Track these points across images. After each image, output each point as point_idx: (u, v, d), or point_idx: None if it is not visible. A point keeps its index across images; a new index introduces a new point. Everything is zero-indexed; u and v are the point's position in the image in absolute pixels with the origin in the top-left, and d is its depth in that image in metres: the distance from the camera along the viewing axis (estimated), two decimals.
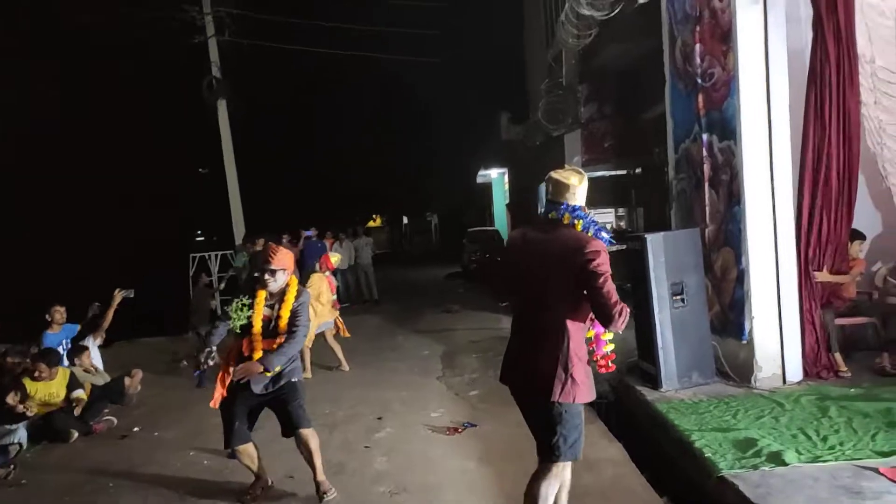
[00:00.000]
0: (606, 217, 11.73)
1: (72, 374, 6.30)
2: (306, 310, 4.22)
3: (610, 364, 3.33)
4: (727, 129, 5.67)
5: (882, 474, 3.62)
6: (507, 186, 24.31)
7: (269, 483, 4.49)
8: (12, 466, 5.20)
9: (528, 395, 3.12)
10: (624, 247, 4.96)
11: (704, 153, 5.96)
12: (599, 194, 10.37)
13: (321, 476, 4.24)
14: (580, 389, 3.00)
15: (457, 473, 4.61)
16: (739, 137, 5.49)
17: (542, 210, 3.31)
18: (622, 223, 11.24)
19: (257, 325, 4.12)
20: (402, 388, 7.05)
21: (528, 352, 3.10)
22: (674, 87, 6.52)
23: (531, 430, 3.23)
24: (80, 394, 6.20)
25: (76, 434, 5.90)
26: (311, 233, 13.22)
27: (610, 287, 2.88)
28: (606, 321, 2.90)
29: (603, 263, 2.92)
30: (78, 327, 7.35)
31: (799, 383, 5.50)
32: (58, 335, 7.05)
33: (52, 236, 24.57)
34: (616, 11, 7.18)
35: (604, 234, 3.12)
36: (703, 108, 5.98)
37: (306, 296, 4.29)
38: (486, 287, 3.45)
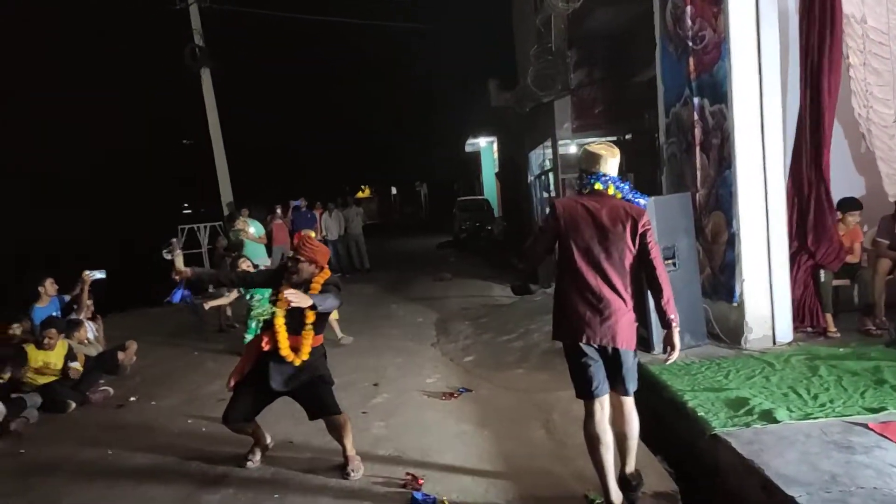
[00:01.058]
0: None
1: (69, 346, 6.30)
2: (336, 290, 4.07)
3: None
4: (718, 93, 5.66)
5: (871, 429, 3.71)
6: (496, 155, 24.20)
7: (269, 444, 4.52)
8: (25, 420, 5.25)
9: (600, 346, 3.42)
10: None
11: (695, 117, 5.96)
12: None
13: (351, 452, 4.21)
14: (635, 338, 3.54)
15: (454, 436, 4.68)
16: (731, 101, 5.48)
17: (579, 181, 3.56)
18: None
19: (279, 320, 4.04)
20: (397, 355, 7.11)
21: (597, 311, 3.35)
22: (664, 50, 6.48)
23: (586, 376, 3.48)
24: (76, 365, 6.20)
25: (73, 404, 5.91)
26: (300, 203, 13.16)
27: (661, 260, 3.35)
28: (658, 293, 3.36)
29: (654, 235, 3.37)
30: (67, 298, 7.31)
31: (789, 344, 5.60)
32: (46, 308, 7.02)
33: (30, 208, 24.32)
34: None
35: (640, 200, 3.43)
36: (693, 72, 5.96)
37: (334, 279, 4.22)
38: (526, 254, 3.53)
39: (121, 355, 6.98)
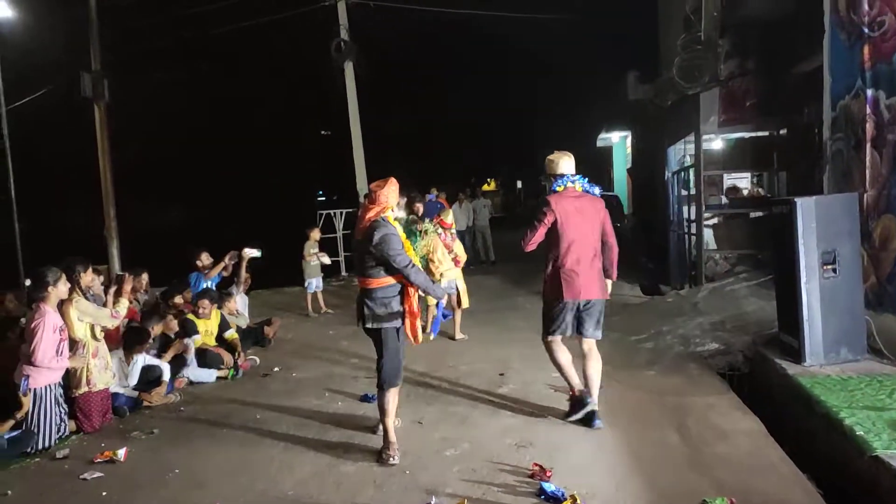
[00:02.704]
0: (741, 181, 10.99)
1: (222, 315, 6.87)
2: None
3: None
4: None
5: None
6: (629, 150, 23.38)
7: (396, 422, 4.61)
8: (179, 395, 5.80)
9: (587, 299, 4.65)
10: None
11: (868, 110, 5.42)
12: (737, 158, 9.71)
13: (389, 439, 4.28)
14: (607, 290, 4.84)
15: (582, 432, 4.60)
16: None
17: (548, 184, 4.98)
18: (760, 189, 10.49)
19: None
20: (523, 347, 7.07)
21: (587, 274, 4.63)
22: (834, 37, 5.94)
23: (572, 324, 4.74)
24: (231, 333, 6.78)
25: (233, 370, 6.44)
26: (433, 195, 13.43)
27: (612, 229, 4.83)
28: (611, 252, 4.79)
29: (608, 214, 4.82)
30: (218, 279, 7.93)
31: None
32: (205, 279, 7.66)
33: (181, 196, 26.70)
34: None
35: (595, 190, 4.88)
36: (868, 61, 5.42)
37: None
38: (525, 239, 4.65)
39: (267, 329, 7.52)
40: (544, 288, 4.86)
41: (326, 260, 9.74)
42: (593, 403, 4.71)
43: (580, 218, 4.63)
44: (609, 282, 4.81)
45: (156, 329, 6.08)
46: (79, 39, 11.98)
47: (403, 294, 4.30)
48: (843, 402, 4.38)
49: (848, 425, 4.01)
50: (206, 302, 6.69)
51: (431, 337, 7.27)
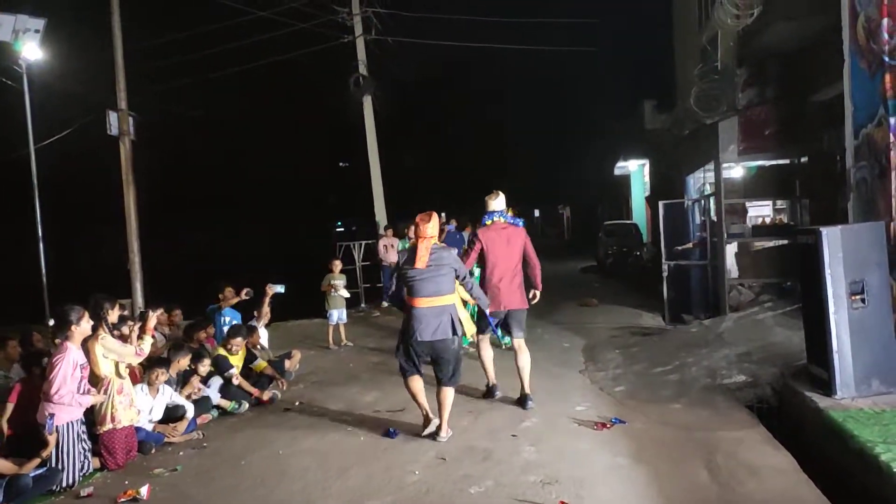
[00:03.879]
0: (764, 210, 10.90)
1: (248, 350, 6.91)
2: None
3: None
4: None
5: None
6: (646, 179, 23.37)
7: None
8: (202, 433, 5.79)
9: (509, 308, 5.99)
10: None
11: (892, 138, 5.39)
12: (758, 186, 9.65)
13: (446, 420, 5.25)
14: (525, 301, 6.15)
15: (608, 469, 4.51)
16: None
17: (484, 219, 6.22)
18: (782, 216, 10.39)
19: None
20: (545, 380, 6.99)
21: (508, 289, 5.94)
22: (855, 66, 5.93)
23: (503, 328, 6.20)
24: (260, 363, 6.88)
25: (247, 404, 6.44)
26: (452, 226, 13.48)
27: (534, 251, 6.13)
28: (535, 270, 6.15)
29: (529, 240, 6.11)
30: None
31: None
32: (233, 314, 7.71)
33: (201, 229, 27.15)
34: None
35: (519, 222, 6.16)
36: (890, 89, 5.40)
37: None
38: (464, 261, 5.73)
39: (287, 363, 7.53)
40: None
41: (345, 293, 9.73)
42: (526, 388, 6.07)
43: (504, 245, 5.96)
44: (536, 291, 6.18)
45: (181, 363, 6.11)
46: (106, 79, 12.30)
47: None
48: (878, 437, 4.27)
49: (885, 461, 3.90)
50: (238, 340, 6.74)
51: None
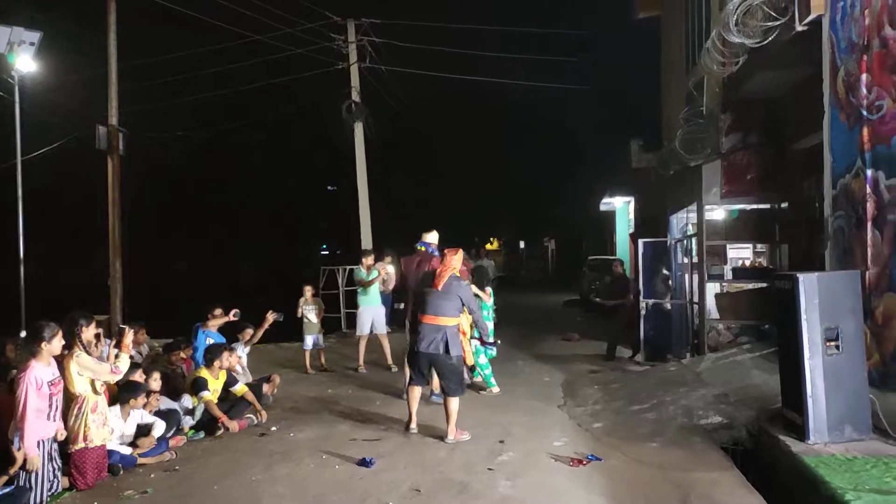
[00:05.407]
0: (744, 252, 11.08)
1: (229, 373, 6.85)
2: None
3: None
4: None
5: None
6: (631, 216, 23.64)
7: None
8: (174, 454, 5.71)
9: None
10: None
11: (868, 190, 5.53)
12: (739, 229, 9.81)
13: (452, 426, 5.99)
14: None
15: None
16: None
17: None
18: (761, 259, 10.56)
19: None
20: (523, 414, 7.00)
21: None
22: (834, 118, 6.11)
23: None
24: (241, 387, 6.82)
25: (221, 429, 6.36)
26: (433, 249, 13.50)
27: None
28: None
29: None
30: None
31: None
32: (215, 335, 7.65)
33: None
34: (769, 39, 6.84)
35: (436, 253, 7.00)
36: (868, 143, 5.56)
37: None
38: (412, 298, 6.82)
39: (266, 387, 7.47)
40: None
41: (313, 319, 9.68)
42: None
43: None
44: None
45: (154, 384, 6.05)
46: (98, 93, 12.34)
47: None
48: (848, 484, 4.31)
49: None
50: (226, 354, 6.75)
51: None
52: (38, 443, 4.66)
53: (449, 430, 5.99)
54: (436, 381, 6.96)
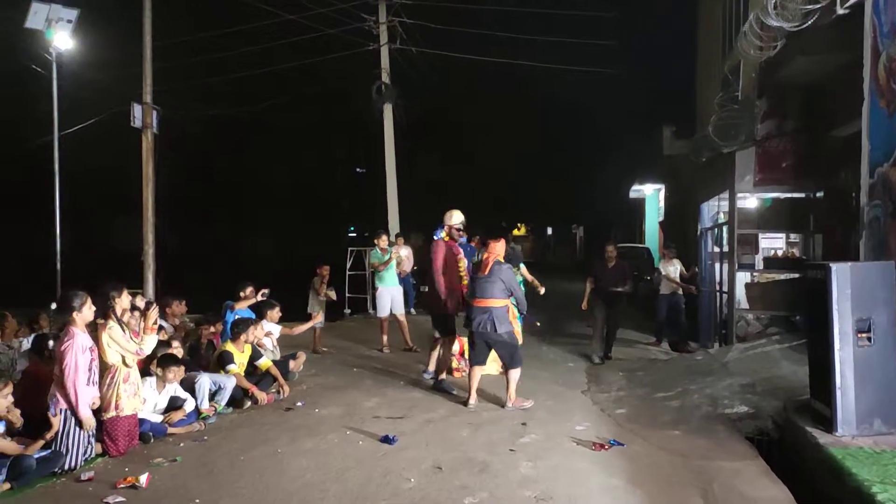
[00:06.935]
0: (776, 242, 10.87)
1: (254, 346, 6.98)
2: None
3: None
4: None
5: None
6: (661, 203, 23.32)
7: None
8: (203, 424, 5.86)
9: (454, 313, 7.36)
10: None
11: None
12: (772, 218, 9.62)
13: (511, 394, 6.56)
14: None
15: (603, 489, 4.52)
16: None
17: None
18: (794, 249, 10.35)
19: None
20: (547, 398, 7.01)
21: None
22: (874, 105, 5.94)
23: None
24: (265, 361, 6.95)
25: (248, 402, 6.50)
26: (464, 239, 13.50)
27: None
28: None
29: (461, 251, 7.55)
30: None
31: None
32: (243, 312, 7.77)
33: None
34: (809, 23, 6.66)
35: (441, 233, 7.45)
36: None
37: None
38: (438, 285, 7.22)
39: (292, 364, 7.60)
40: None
41: (333, 295, 9.81)
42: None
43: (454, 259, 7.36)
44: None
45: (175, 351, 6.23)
46: (134, 71, 12.53)
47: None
48: (875, 477, 4.25)
49: (880, 501, 3.89)
50: (251, 329, 6.90)
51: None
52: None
53: (508, 397, 6.56)
54: (431, 361, 7.54)
